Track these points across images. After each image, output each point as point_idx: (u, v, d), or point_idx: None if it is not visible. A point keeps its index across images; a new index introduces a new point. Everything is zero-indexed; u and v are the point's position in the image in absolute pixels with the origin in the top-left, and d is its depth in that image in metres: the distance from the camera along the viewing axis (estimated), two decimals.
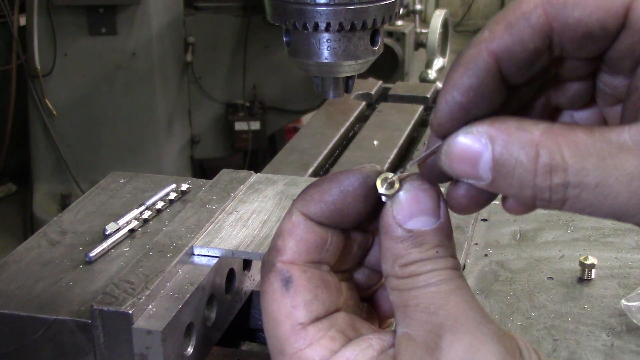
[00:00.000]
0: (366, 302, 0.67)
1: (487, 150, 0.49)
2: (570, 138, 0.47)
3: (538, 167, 0.47)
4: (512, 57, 0.50)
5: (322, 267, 0.60)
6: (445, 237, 0.57)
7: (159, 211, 1.10)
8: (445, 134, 0.52)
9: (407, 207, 0.56)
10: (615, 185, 0.46)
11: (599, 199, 0.47)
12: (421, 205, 0.56)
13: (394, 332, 0.57)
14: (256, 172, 1.17)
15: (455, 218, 0.65)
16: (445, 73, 0.53)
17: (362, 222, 0.60)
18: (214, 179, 1.13)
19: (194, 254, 0.94)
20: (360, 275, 0.66)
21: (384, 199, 0.57)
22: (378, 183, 0.58)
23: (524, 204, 0.53)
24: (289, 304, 0.57)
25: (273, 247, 0.60)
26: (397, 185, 0.57)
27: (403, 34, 3.76)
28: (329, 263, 0.60)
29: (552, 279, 1.06)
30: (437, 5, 7.25)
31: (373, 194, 0.58)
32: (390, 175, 0.58)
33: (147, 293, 0.84)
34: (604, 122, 0.57)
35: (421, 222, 0.56)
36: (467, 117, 0.51)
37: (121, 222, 1.05)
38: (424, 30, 3.84)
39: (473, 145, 0.50)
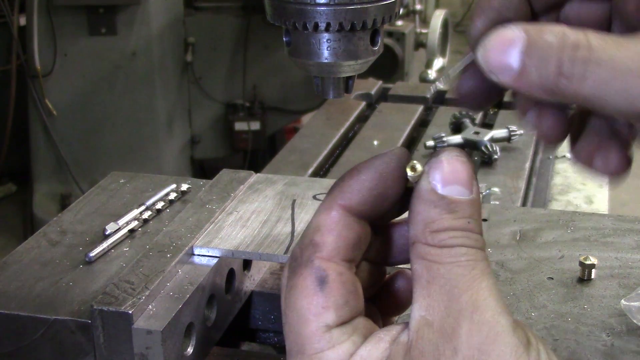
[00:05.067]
0: (368, 301, 0.66)
1: (522, 37, 0.53)
2: (597, 32, 0.52)
3: (565, 44, 0.52)
4: None
5: (352, 267, 0.59)
6: (476, 213, 0.57)
7: (159, 211, 1.10)
8: (480, 40, 0.56)
9: (443, 174, 0.57)
10: (630, 63, 0.50)
11: (614, 76, 0.50)
12: (457, 175, 0.57)
13: (402, 323, 0.57)
14: (256, 172, 1.16)
15: None
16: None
17: (394, 208, 0.60)
18: (214, 179, 1.13)
19: (194, 254, 0.94)
20: (364, 274, 0.65)
21: (414, 177, 0.58)
22: (408, 169, 0.58)
23: (546, 90, 0.54)
24: (320, 303, 0.56)
25: (310, 242, 0.58)
26: (420, 168, 0.58)
27: (403, 34, 3.76)
28: (357, 261, 0.60)
29: (552, 279, 1.06)
30: (437, 5, 7.24)
31: (405, 177, 0.58)
32: (416, 162, 0.59)
33: (147, 293, 0.84)
34: None
35: (456, 191, 0.56)
36: (501, 21, 0.56)
37: (121, 222, 1.05)
38: (424, 30, 3.84)
39: (509, 32, 0.54)
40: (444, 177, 0.57)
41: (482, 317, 0.53)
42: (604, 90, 0.51)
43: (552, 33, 0.52)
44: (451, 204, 0.56)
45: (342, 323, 0.57)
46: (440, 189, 0.56)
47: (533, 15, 0.59)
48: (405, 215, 0.60)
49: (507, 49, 0.53)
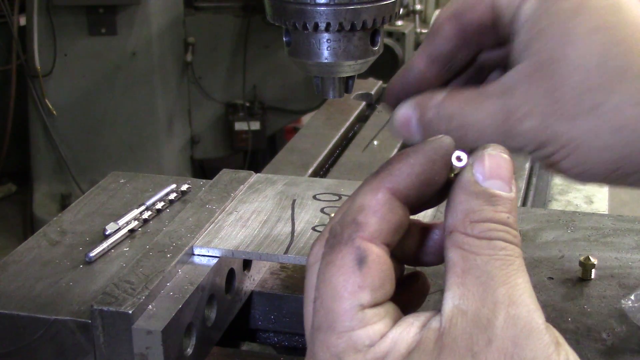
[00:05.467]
0: None
1: (415, 114, 0.71)
2: (460, 95, 0.69)
3: (440, 116, 0.69)
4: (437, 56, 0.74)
5: (389, 252, 0.59)
6: (515, 211, 0.57)
7: (159, 211, 1.10)
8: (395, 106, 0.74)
9: (487, 167, 0.58)
10: (483, 120, 0.67)
11: (467, 132, 0.67)
12: (500, 170, 0.58)
13: (432, 311, 0.57)
14: (256, 172, 1.16)
15: None
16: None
17: (434, 197, 0.62)
18: (214, 179, 1.13)
19: (194, 254, 0.94)
20: None
21: (457, 168, 0.59)
22: (453, 158, 0.59)
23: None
24: (357, 282, 0.56)
25: (352, 220, 0.58)
26: (466, 159, 0.60)
27: (403, 34, 3.76)
28: (393, 247, 0.60)
29: (552, 279, 1.06)
30: (437, 5, 7.25)
31: (450, 166, 0.60)
32: (462, 152, 0.60)
33: (147, 293, 0.84)
34: None
35: (497, 185, 0.57)
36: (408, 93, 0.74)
37: (121, 222, 1.05)
38: (424, 30, 3.84)
39: (406, 111, 0.72)
40: (487, 170, 0.58)
41: (517, 312, 0.53)
42: (461, 142, 0.63)
43: (431, 106, 0.70)
44: (493, 197, 0.57)
45: (375, 305, 0.57)
46: (483, 182, 0.57)
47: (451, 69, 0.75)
48: (431, 217, 0.60)
49: (408, 126, 0.72)
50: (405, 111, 0.71)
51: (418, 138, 0.70)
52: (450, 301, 0.55)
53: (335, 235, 0.59)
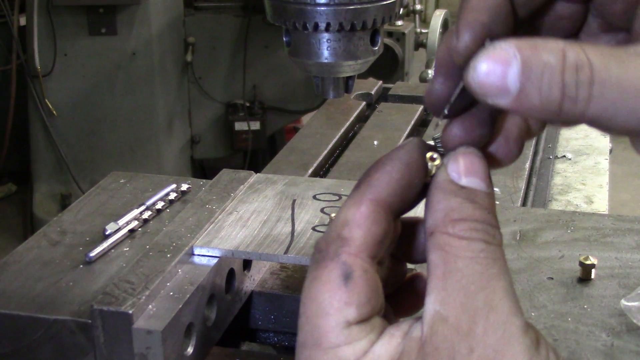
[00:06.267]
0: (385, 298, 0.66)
1: (516, 58, 0.50)
2: (593, 46, 0.51)
3: (566, 65, 0.50)
4: None
5: (375, 265, 0.59)
6: (493, 207, 0.57)
7: (159, 211, 1.10)
8: (469, 57, 0.53)
9: (462, 165, 0.57)
10: (636, 82, 0.49)
11: (622, 97, 0.49)
12: (475, 168, 0.58)
13: (411, 319, 0.57)
14: (256, 172, 1.16)
15: None
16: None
17: (416, 199, 0.61)
18: (214, 179, 1.13)
19: (194, 254, 0.94)
20: (386, 270, 0.64)
21: (433, 168, 0.59)
22: (427, 158, 0.59)
23: (549, 112, 0.52)
24: (343, 299, 0.56)
25: (337, 235, 0.58)
26: (439, 159, 0.59)
27: (403, 34, 3.76)
28: (379, 257, 0.59)
29: (552, 279, 1.06)
30: (437, 5, 7.25)
31: (426, 166, 0.59)
32: (433, 153, 0.59)
33: (147, 293, 0.84)
34: None
35: (474, 183, 0.57)
36: (489, 36, 0.54)
37: (121, 222, 1.05)
38: (424, 30, 3.84)
39: (503, 53, 0.51)
40: (463, 168, 0.57)
41: (497, 318, 0.53)
42: (611, 111, 0.50)
43: (549, 52, 0.50)
44: (471, 193, 0.57)
45: (362, 321, 0.57)
46: (459, 180, 0.57)
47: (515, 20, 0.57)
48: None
49: (502, 71, 0.51)
50: (500, 52, 0.51)
51: (508, 101, 0.51)
52: (432, 306, 0.55)
53: (321, 250, 0.58)
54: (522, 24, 0.59)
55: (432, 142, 0.60)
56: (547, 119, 0.54)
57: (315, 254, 0.59)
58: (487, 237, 0.56)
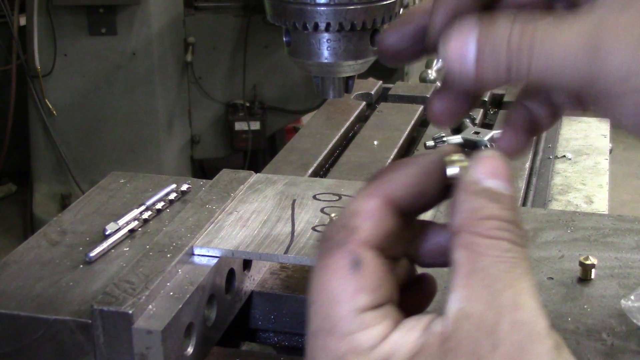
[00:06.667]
0: None
1: (476, 28, 0.56)
2: (543, 15, 0.56)
3: (513, 30, 0.55)
4: None
5: (382, 256, 0.59)
6: (517, 209, 0.58)
7: (159, 211, 1.10)
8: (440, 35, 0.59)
9: (486, 167, 0.58)
10: (573, 41, 0.54)
11: (561, 56, 0.54)
12: (500, 170, 0.58)
13: (432, 313, 0.57)
14: (256, 172, 1.17)
15: None
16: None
17: (426, 207, 0.61)
18: (214, 179, 1.13)
19: (194, 254, 0.94)
20: (403, 269, 0.64)
21: (450, 174, 0.60)
22: (448, 165, 0.59)
23: (500, 77, 0.57)
24: (354, 285, 0.56)
25: (345, 224, 0.58)
26: (464, 164, 0.60)
27: None
28: (389, 253, 0.60)
29: (552, 279, 1.06)
30: None
31: (445, 175, 0.60)
32: (457, 156, 0.60)
33: (147, 293, 0.84)
34: None
35: (498, 185, 0.58)
36: (458, 14, 0.59)
37: (121, 222, 1.05)
38: None
39: (465, 26, 0.57)
40: (487, 171, 0.58)
41: (522, 317, 0.53)
42: (553, 70, 0.54)
43: (502, 21, 0.56)
44: (495, 195, 0.57)
45: (375, 307, 0.56)
46: (484, 182, 0.58)
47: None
48: (430, 217, 0.60)
49: (463, 42, 0.56)
50: (464, 26, 0.57)
51: (468, 69, 0.56)
52: (455, 303, 0.55)
53: (328, 239, 0.58)
54: (496, 3, 0.63)
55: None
56: (501, 83, 0.57)
57: (323, 243, 0.59)
58: (513, 237, 0.56)
